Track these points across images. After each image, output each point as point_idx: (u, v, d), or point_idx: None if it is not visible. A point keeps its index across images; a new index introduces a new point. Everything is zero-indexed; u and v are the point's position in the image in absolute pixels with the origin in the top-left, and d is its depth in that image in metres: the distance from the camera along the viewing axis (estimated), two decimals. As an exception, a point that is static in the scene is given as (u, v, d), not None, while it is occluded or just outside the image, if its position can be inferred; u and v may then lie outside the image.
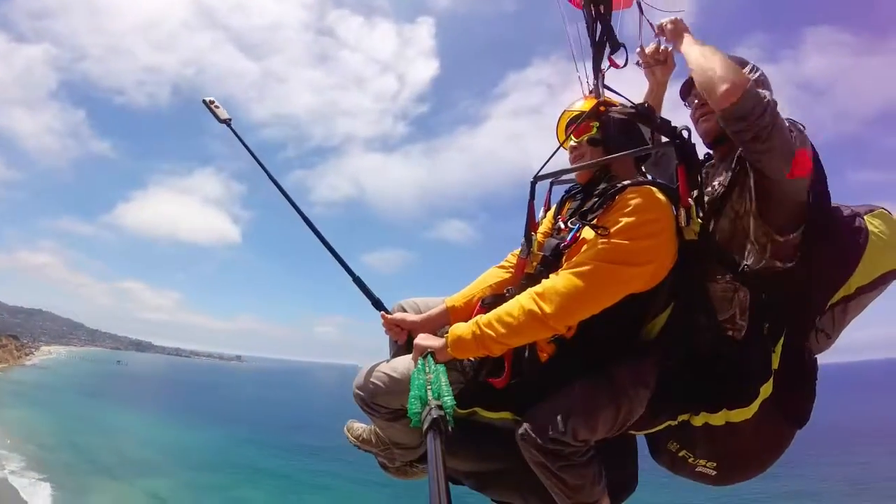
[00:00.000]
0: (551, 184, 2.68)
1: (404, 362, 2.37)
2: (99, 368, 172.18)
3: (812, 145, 2.14)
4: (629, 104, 2.46)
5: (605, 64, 2.73)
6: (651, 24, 2.70)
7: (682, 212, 2.15)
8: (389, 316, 2.62)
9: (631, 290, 2.09)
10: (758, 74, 2.31)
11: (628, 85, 2.71)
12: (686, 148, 2.26)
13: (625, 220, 2.08)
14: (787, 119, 2.12)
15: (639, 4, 2.77)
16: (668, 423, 2.33)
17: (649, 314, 2.25)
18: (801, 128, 2.14)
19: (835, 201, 2.27)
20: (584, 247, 2.15)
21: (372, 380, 2.40)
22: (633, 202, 2.11)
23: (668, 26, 2.51)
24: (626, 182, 2.21)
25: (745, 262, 2.17)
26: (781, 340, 2.20)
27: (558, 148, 2.52)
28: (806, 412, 2.29)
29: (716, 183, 2.34)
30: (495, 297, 2.39)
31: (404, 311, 2.68)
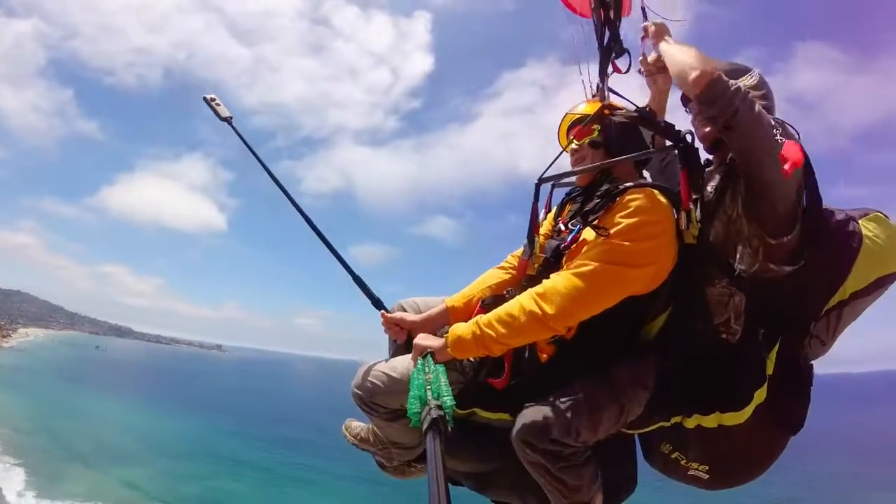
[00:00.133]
0: (553, 186, 2.69)
1: (404, 362, 2.36)
2: (77, 353, 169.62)
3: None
4: (633, 108, 2.48)
5: (608, 68, 2.76)
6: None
7: (683, 215, 2.18)
8: (389, 315, 2.61)
9: (631, 291, 2.10)
10: (754, 80, 2.33)
11: (629, 91, 2.74)
12: (689, 151, 2.29)
13: (626, 221, 2.09)
14: (776, 118, 2.15)
15: (643, 11, 2.79)
16: (661, 423, 2.34)
17: (649, 315, 2.27)
18: (791, 127, 2.16)
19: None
20: (585, 248, 2.16)
21: (371, 379, 2.39)
22: (634, 204, 2.12)
23: (651, 28, 2.60)
24: (627, 184, 2.23)
25: (739, 266, 2.18)
26: (776, 346, 2.21)
27: (562, 151, 2.54)
28: (800, 419, 2.29)
29: (709, 187, 2.36)
30: (495, 298, 2.39)
31: (404, 310, 2.66)
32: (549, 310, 2.03)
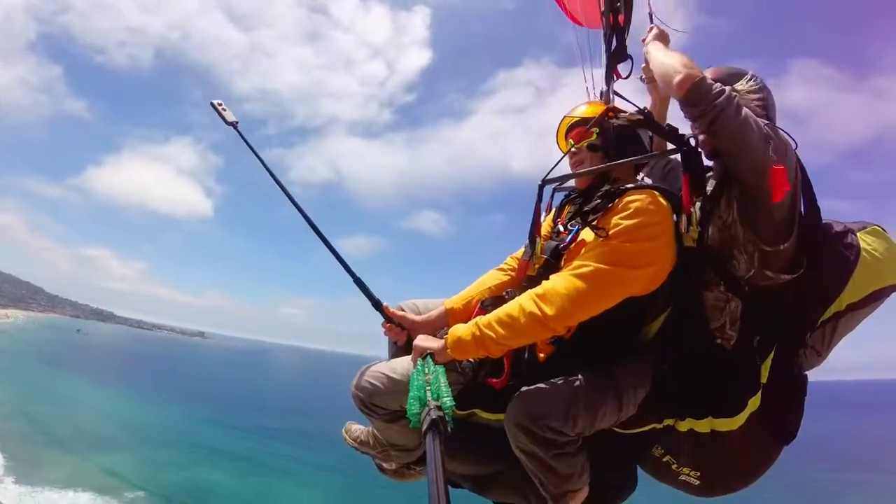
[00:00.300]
0: (554, 189, 2.70)
1: (403, 363, 2.36)
2: (58, 336, 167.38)
3: (797, 163, 2.18)
4: (637, 111, 2.50)
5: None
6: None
7: (683, 218, 2.20)
8: (390, 312, 2.59)
9: (631, 292, 2.11)
10: (751, 85, 2.33)
11: (628, 97, 2.75)
12: (692, 155, 2.29)
13: (625, 222, 2.10)
14: (770, 125, 2.15)
15: (650, 16, 2.81)
16: (654, 425, 2.35)
17: (648, 316, 2.28)
18: (786, 134, 2.18)
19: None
20: (584, 249, 2.16)
21: (371, 380, 2.39)
22: (634, 205, 2.13)
23: (654, 30, 2.61)
24: (628, 185, 2.24)
25: (736, 272, 2.18)
26: (771, 354, 2.22)
27: (564, 155, 2.54)
28: (793, 429, 2.30)
29: (706, 192, 2.36)
30: (494, 299, 2.41)
31: (403, 312, 2.64)
32: (549, 311, 2.03)
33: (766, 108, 2.31)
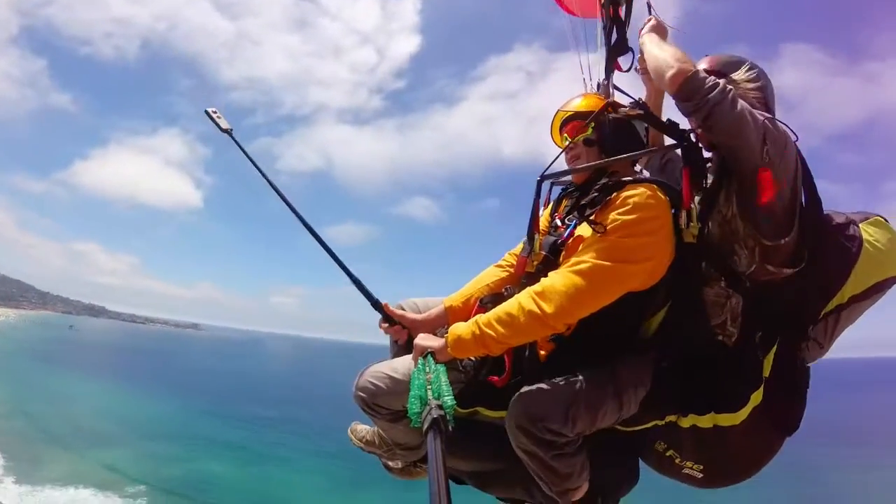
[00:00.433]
0: (552, 184, 2.67)
1: (405, 363, 2.36)
2: (51, 333, 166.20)
3: (797, 156, 2.14)
4: (636, 104, 2.48)
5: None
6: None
7: (683, 213, 2.18)
8: (389, 311, 2.58)
9: (630, 287, 2.11)
10: (749, 74, 2.31)
11: (625, 89, 2.73)
12: (692, 149, 2.28)
13: (623, 217, 2.09)
14: (767, 115, 2.12)
15: (648, 6, 2.78)
16: (655, 422, 2.35)
17: (648, 311, 2.28)
18: (783, 124, 2.14)
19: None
20: (582, 245, 2.15)
21: (373, 381, 2.38)
22: (631, 200, 2.12)
23: (651, 22, 2.56)
24: (626, 179, 2.23)
25: (737, 267, 2.17)
26: (774, 348, 2.21)
27: (563, 150, 2.52)
28: (795, 421, 2.30)
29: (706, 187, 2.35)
30: (494, 297, 2.40)
31: (403, 311, 2.64)
32: (548, 308, 2.03)
33: (766, 99, 2.29)
